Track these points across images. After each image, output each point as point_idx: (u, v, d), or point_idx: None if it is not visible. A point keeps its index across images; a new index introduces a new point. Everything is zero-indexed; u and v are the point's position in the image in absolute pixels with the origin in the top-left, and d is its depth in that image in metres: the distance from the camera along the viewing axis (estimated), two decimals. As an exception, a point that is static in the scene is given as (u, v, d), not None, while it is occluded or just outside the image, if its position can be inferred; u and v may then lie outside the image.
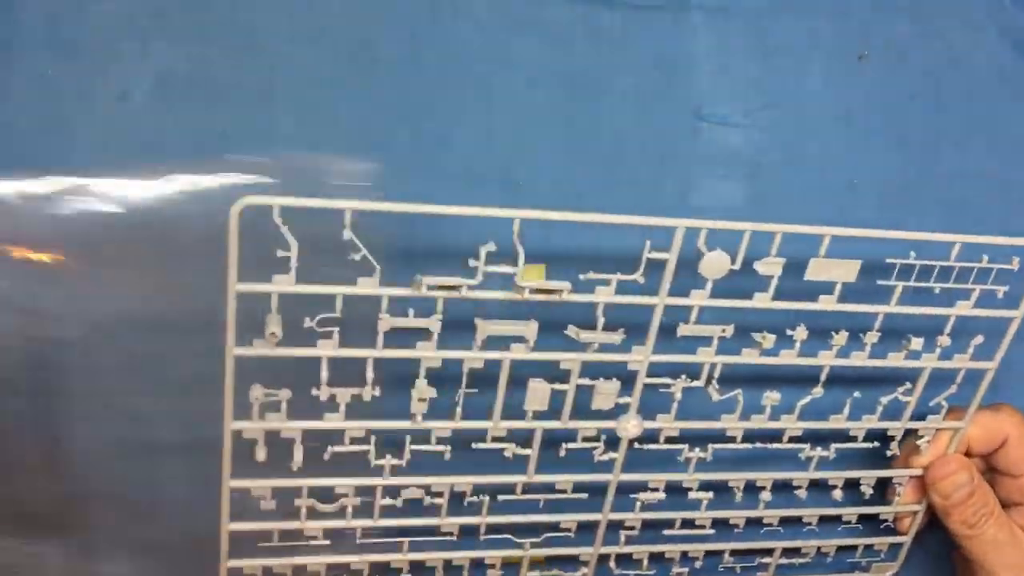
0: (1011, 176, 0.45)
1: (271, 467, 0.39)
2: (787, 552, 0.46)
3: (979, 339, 0.41)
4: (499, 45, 0.45)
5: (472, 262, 0.35)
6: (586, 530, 0.44)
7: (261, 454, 0.38)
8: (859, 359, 0.41)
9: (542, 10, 0.44)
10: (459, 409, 0.38)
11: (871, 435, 0.44)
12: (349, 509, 0.40)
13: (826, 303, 0.39)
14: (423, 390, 0.37)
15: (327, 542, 0.41)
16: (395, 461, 0.39)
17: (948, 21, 0.45)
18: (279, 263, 0.34)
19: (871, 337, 0.40)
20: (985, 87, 0.45)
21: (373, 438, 0.39)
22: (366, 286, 0.34)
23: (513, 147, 0.44)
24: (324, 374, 0.36)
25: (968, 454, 0.43)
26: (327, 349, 0.35)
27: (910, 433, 0.44)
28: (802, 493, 0.45)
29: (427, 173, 0.44)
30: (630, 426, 0.39)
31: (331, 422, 0.37)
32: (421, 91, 0.44)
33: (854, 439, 0.44)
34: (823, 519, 0.46)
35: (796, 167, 0.45)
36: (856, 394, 0.43)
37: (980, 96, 0.45)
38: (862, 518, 0.46)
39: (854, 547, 0.47)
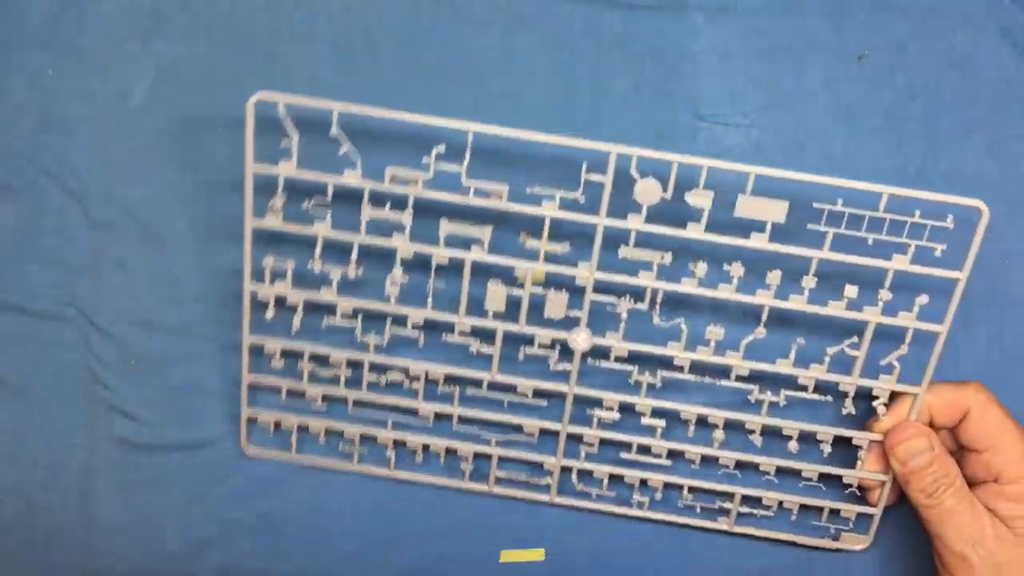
0: (1011, 176, 0.45)
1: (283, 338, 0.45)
2: (750, 502, 0.46)
3: (924, 298, 0.41)
4: (499, 45, 0.45)
5: (425, 159, 0.40)
6: (548, 439, 0.46)
7: (270, 313, 0.43)
8: (797, 303, 0.42)
9: (542, 10, 0.45)
10: (430, 299, 0.43)
11: (823, 388, 0.44)
12: (342, 378, 0.45)
13: (757, 240, 0.40)
14: (396, 275, 0.42)
15: (324, 408, 0.46)
16: (377, 339, 0.44)
17: (948, 21, 0.45)
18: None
19: (808, 281, 0.41)
20: (985, 87, 0.45)
21: (360, 316, 0.43)
22: (350, 177, 0.41)
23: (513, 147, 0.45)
24: (318, 250, 0.42)
25: (933, 426, 0.43)
26: (321, 229, 0.42)
27: (865, 395, 0.44)
28: (756, 439, 0.45)
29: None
30: (580, 339, 0.43)
31: (324, 295, 0.43)
32: (421, 91, 0.45)
33: (804, 388, 0.44)
34: (784, 474, 0.45)
35: (796, 167, 0.45)
36: (800, 340, 0.43)
37: (980, 96, 0.45)
38: (826, 482, 0.46)
39: (820, 510, 0.46)
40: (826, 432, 0.44)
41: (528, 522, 0.48)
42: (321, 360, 0.45)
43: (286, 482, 0.47)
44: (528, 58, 0.45)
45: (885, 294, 0.41)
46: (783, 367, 0.43)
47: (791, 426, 0.44)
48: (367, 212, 0.41)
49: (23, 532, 0.47)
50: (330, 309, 0.44)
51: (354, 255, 0.42)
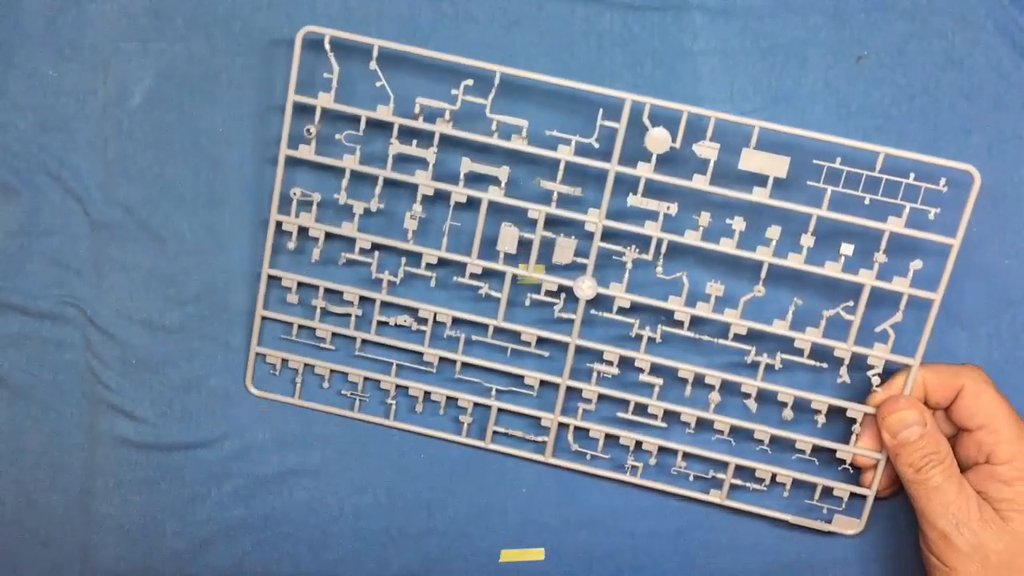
0: (1011, 177, 0.45)
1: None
2: (743, 474, 0.46)
3: (918, 263, 0.41)
4: (499, 45, 0.45)
5: (453, 91, 0.42)
6: (546, 394, 0.46)
7: (292, 244, 0.45)
8: (796, 261, 0.42)
9: (542, 10, 0.45)
10: (445, 239, 0.44)
11: (819, 354, 0.44)
12: (352, 317, 0.46)
13: (759, 195, 0.42)
14: (416, 211, 0.44)
15: (333, 348, 0.47)
16: (391, 277, 0.45)
17: (947, 21, 0.45)
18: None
19: (806, 239, 0.42)
20: (984, 87, 0.45)
21: (376, 253, 0.45)
22: (382, 112, 0.42)
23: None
24: (345, 181, 0.43)
25: (928, 404, 0.43)
26: (350, 162, 0.43)
27: (861, 367, 0.43)
28: (752, 404, 0.45)
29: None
30: (585, 286, 0.44)
31: (345, 229, 0.44)
32: (421, 90, 0.45)
33: (800, 352, 0.44)
34: (778, 447, 0.45)
35: (795, 167, 0.45)
36: (797, 300, 0.43)
37: (980, 96, 0.45)
38: (820, 458, 0.45)
39: (814, 488, 0.45)
40: (821, 401, 0.44)
41: (528, 522, 0.48)
42: (334, 298, 0.46)
43: (286, 482, 0.47)
44: (528, 58, 0.45)
45: (880, 256, 0.42)
46: (780, 328, 0.44)
47: (786, 392, 0.45)
48: (395, 147, 0.42)
49: (23, 531, 0.47)
50: (348, 245, 0.45)
51: (378, 189, 0.43)
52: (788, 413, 0.45)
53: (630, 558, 0.48)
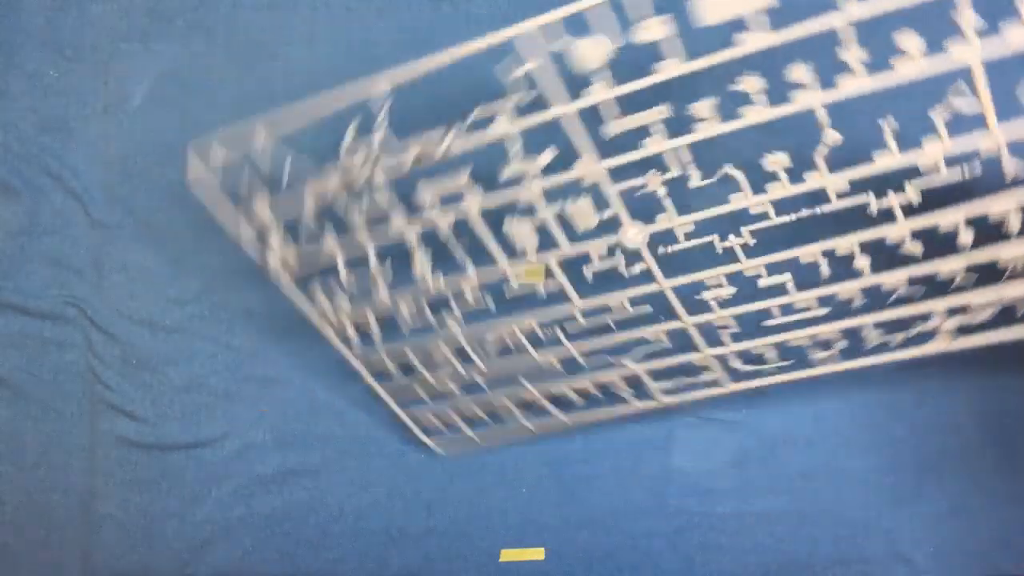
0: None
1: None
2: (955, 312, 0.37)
3: None
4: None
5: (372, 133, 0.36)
6: (679, 341, 0.42)
7: (351, 331, 0.42)
8: (853, 85, 0.31)
9: (542, 10, 0.44)
10: (468, 264, 0.39)
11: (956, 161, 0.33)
12: (457, 364, 0.43)
13: (750, 42, 0.31)
14: (422, 262, 0.39)
15: (461, 393, 0.44)
16: (452, 320, 0.41)
17: (947, 22, 0.44)
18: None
19: (851, 55, 0.31)
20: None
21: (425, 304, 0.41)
22: (324, 186, 0.37)
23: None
24: (340, 263, 0.39)
25: None
26: (331, 246, 0.39)
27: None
28: (912, 248, 0.35)
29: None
30: (631, 233, 0.37)
31: (383, 299, 0.40)
32: (421, 90, 0.45)
33: (931, 171, 0.32)
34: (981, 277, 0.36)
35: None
36: (889, 123, 0.33)
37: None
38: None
39: None
40: (1003, 206, 0.33)
41: (528, 522, 0.48)
42: (422, 356, 0.43)
43: (286, 482, 0.47)
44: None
45: (966, 26, 0.30)
46: (891, 161, 0.33)
47: (947, 218, 0.34)
48: (357, 210, 0.38)
49: (24, 531, 0.47)
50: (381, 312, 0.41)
51: (371, 254, 0.39)
52: (965, 238, 0.34)
53: (630, 558, 0.48)
